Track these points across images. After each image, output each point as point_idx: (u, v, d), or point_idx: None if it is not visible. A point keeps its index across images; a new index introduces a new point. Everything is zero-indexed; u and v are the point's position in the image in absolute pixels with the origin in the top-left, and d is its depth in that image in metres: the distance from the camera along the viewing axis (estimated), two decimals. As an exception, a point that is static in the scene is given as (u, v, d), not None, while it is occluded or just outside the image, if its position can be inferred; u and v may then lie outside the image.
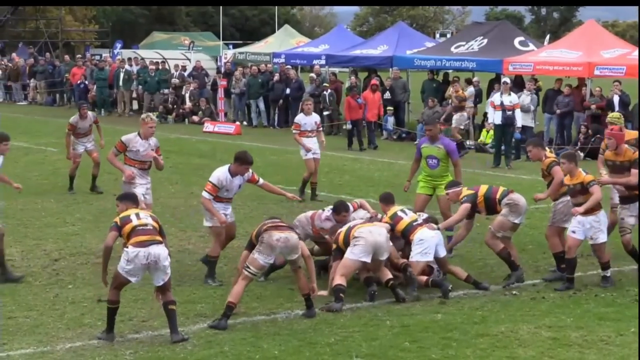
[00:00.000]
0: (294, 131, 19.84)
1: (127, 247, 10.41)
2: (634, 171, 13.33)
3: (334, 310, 11.69)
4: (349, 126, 29.29)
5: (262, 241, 11.15)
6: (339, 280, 12.00)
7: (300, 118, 19.87)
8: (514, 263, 13.08)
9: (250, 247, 11.39)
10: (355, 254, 12.10)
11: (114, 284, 10.58)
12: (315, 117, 20.00)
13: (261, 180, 13.36)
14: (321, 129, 20.22)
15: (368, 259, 12.16)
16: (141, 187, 14.40)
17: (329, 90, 33.32)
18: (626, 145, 13.67)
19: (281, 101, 35.51)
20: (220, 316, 11.08)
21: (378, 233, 12.26)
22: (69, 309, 11.78)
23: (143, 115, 15.00)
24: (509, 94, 25.76)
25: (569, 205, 13.27)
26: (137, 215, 10.71)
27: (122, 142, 14.58)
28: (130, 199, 11.22)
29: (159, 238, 10.58)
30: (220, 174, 12.93)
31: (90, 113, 20.60)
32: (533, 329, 11.08)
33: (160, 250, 10.44)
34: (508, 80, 27.42)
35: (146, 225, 10.58)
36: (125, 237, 10.55)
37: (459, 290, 12.73)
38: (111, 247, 10.57)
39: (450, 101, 30.17)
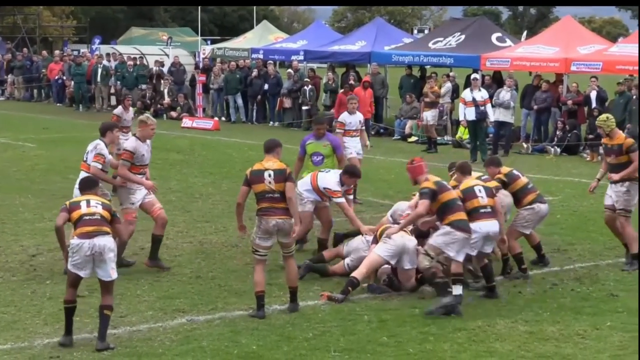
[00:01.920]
0: (337, 130, 18.75)
1: (72, 238, 10.24)
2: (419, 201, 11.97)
3: (335, 300, 11.86)
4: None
5: (260, 226, 11.35)
6: (358, 274, 12.19)
7: (344, 117, 18.92)
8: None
9: (247, 184, 11.50)
10: (381, 250, 12.34)
11: (67, 281, 10.39)
12: (359, 116, 19.06)
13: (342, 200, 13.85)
14: (364, 127, 19.44)
15: (392, 261, 12.34)
16: (140, 192, 13.62)
17: (310, 86, 33.33)
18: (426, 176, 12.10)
19: (259, 97, 35.49)
20: (256, 308, 11.31)
21: (408, 239, 12.45)
22: (47, 305, 11.77)
23: (142, 117, 13.84)
24: (479, 90, 25.81)
25: (534, 212, 13.42)
26: (88, 202, 10.46)
27: (129, 151, 13.37)
28: (88, 187, 10.97)
29: (105, 229, 10.30)
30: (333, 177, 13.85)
31: (130, 108, 20.53)
32: (510, 323, 11.14)
33: (105, 242, 10.19)
34: (478, 77, 27.48)
35: (93, 214, 10.33)
36: (72, 225, 10.38)
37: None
38: (61, 227, 10.43)
39: (426, 97, 30.20)
